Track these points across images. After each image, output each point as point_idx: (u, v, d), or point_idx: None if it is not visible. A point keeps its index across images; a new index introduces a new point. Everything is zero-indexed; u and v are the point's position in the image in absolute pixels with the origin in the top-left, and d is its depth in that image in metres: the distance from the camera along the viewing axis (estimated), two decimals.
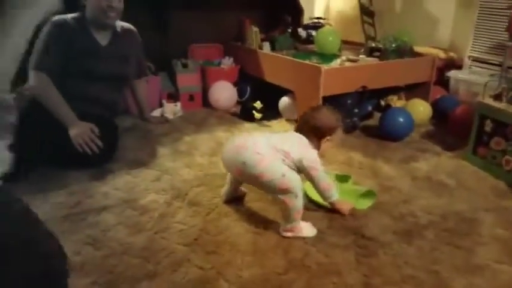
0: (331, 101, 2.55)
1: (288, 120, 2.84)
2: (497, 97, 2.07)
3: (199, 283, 1.30)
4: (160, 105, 2.93)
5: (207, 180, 1.97)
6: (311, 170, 1.54)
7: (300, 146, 1.58)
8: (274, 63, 2.90)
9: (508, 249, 1.48)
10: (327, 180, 1.59)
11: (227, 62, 3.19)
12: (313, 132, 1.62)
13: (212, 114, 2.97)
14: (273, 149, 1.53)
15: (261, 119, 2.81)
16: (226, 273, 1.34)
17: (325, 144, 1.63)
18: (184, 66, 3.00)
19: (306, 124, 1.64)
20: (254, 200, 1.78)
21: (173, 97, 3.01)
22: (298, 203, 1.49)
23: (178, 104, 2.93)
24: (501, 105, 2.01)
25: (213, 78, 3.06)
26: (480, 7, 3.00)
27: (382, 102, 2.98)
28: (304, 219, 1.56)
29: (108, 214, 1.67)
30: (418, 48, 2.95)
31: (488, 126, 2.06)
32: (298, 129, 1.67)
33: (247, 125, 2.78)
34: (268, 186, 1.49)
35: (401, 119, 2.43)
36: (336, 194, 1.61)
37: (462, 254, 1.45)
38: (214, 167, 2.11)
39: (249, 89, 3.09)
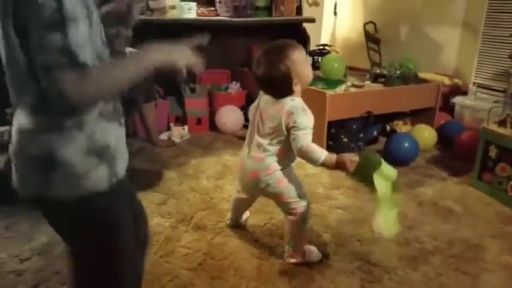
0: (337, 125, 2.59)
1: None
2: (502, 123, 2.08)
3: None
4: (168, 128, 2.98)
5: (213, 203, 1.99)
6: (290, 123, 1.34)
7: (281, 120, 1.38)
8: None
9: None
10: (309, 140, 1.34)
11: (234, 87, 3.26)
12: (278, 89, 1.39)
13: (219, 137, 3.00)
14: (274, 154, 1.43)
15: None
16: None
17: (298, 86, 1.38)
18: (193, 91, 3.07)
19: (266, 87, 1.43)
20: (259, 225, 1.78)
21: (181, 121, 3.07)
22: (303, 227, 1.51)
23: (186, 127, 2.97)
24: (505, 131, 2.03)
25: (221, 103, 3.12)
26: (483, 35, 3.05)
27: (388, 127, 2.99)
28: (310, 243, 1.57)
29: None
30: (423, 75, 2.99)
31: (493, 152, 2.07)
32: (274, 96, 1.41)
33: None
34: (285, 204, 1.49)
35: (406, 144, 2.45)
36: (324, 154, 1.32)
37: (468, 281, 1.44)
38: (220, 190, 2.13)
39: None
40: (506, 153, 2.01)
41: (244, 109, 3.18)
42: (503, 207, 1.98)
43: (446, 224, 1.83)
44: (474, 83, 3.13)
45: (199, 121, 3.08)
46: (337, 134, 2.62)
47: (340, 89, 2.73)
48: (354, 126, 2.66)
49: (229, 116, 3.07)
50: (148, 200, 2.01)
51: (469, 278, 1.45)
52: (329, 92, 2.48)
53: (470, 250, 1.63)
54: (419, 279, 1.44)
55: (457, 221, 1.85)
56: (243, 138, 2.93)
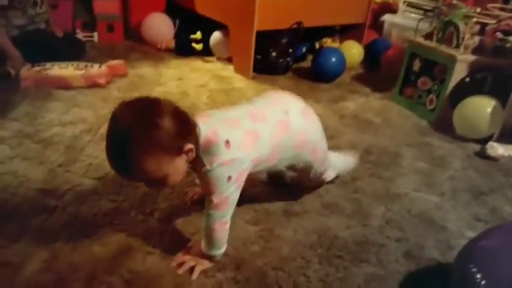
0: (266, 38, 2.41)
1: (219, 58, 2.67)
2: (428, 36, 2.06)
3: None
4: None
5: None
6: None
7: None
8: None
9: (425, 180, 1.51)
10: None
11: None
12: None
13: (135, 48, 2.69)
14: None
15: (202, 52, 2.65)
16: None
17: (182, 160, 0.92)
18: None
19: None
20: None
21: (88, 26, 2.67)
22: None
23: (95, 34, 2.60)
24: (431, 43, 2.01)
25: (137, 6, 2.76)
26: None
27: (317, 45, 2.89)
28: None
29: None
30: None
31: (417, 65, 2.06)
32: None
33: (176, 61, 2.56)
34: None
35: (333, 59, 2.37)
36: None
37: (383, 184, 1.45)
38: None
39: (178, 21, 2.84)
40: (429, 66, 2.01)
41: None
42: (421, 120, 2.02)
43: (365, 134, 1.82)
44: (404, 1, 3.08)
45: (110, 28, 2.71)
46: (265, 48, 2.46)
47: None
48: (284, 40, 2.52)
49: (161, 26, 2.75)
50: (46, 108, 1.75)
51: (385, 182, 1.46)
52: None
53: (386, 157, 1.64)
54: (335, 183, 1.41)
55: (376, 132, 1.86)
56: (167, 50, 2.70)
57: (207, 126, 0.94)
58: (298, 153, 1.10)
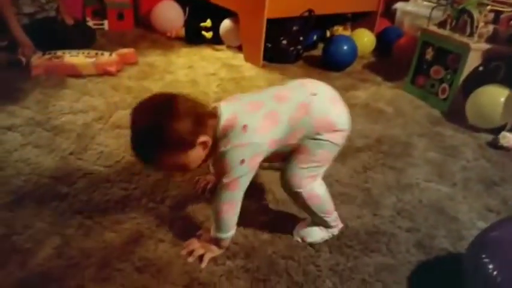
0: (276, 26, 2.39)
1: (229, 47, 2.65)
2: (442, 24, 2.02)
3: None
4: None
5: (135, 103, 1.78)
6: None
7: None
8: None
9: (437, 170, 1.49)
10: None
11: None
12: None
13: (146, 36, 2.69)
14: None
15: (212, 40, 2.62)
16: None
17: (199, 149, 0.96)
18: None
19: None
20: None
21: (99, 14, 2.67)
22: None
23: (106, 22, 2.60)
24: (445, 32, 1.97)
25: None
26: None
27: (328, 33, 2.86)
28: None
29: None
30: None
31: (430, 54, 2.03)
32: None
33: (186, 49, 2.55)
34: None
35: (345, 47, 2.35)
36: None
37: (394, 174, 1.44)
38: (144, 90, 1.92)
39: (188, 9, 2.82)
40: (442, 55, 1.97)
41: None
42: (433, 110, 2.00)
43: (376, 124, 1.81)
44: None
45: (121, 15, 2.70)
46: (276, 36, 2.43)
47: None
48: (294, 28, 2.49)
49: (171, 14, 2.74)
50: (57, 96, 1.76)
51: (396, 172, 1.45)
52: None
53: (398, 147, 1.62)
54: (346, 172, 1.41)
55: (387, 121, 1.84)
56: (177, 38, 2.69)
57: (230, 110, 0.97)
58: (317, 131, 1.01)
